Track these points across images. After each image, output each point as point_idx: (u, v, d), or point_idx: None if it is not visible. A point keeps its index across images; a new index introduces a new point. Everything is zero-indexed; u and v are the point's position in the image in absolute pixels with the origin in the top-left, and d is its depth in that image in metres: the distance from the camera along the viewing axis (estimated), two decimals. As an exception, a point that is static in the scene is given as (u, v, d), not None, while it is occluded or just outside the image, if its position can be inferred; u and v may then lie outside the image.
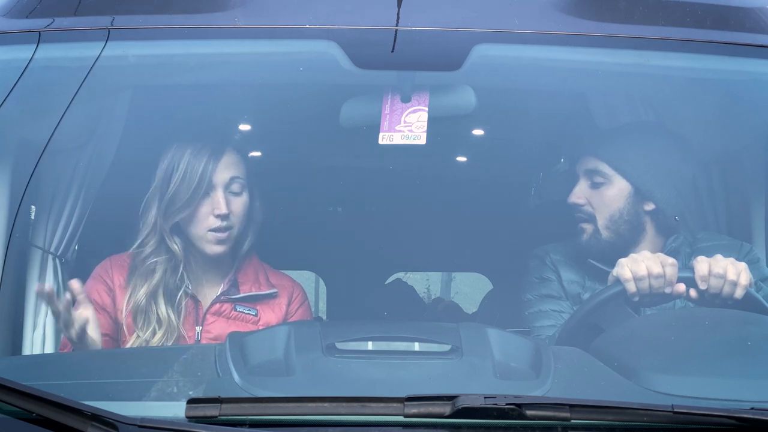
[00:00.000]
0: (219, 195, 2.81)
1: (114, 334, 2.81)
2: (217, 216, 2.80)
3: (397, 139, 2.62)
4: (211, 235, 2.82)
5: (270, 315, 2.89)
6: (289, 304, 2.93)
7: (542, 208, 3.89)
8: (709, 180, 3.10)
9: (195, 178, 2.79)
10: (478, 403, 1.75)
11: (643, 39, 2.58)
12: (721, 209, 3.11)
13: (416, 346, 2.29)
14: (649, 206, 2.93)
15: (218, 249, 2.83)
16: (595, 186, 2.94)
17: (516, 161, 3.99)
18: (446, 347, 2.18)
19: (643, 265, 2.60)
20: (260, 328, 2.83)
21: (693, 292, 2.61)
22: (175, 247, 2.82)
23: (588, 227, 2.94)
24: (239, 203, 2.85)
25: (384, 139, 2.62)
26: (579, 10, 2.61)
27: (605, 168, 2.92)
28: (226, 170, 2.83)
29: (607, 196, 2.93)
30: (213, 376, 2.06)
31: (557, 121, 3.54)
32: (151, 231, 2.82)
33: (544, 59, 2.63)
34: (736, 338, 2.41)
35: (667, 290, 2.61)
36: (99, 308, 2.79)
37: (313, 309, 5.94)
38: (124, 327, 2.78)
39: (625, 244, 2.92)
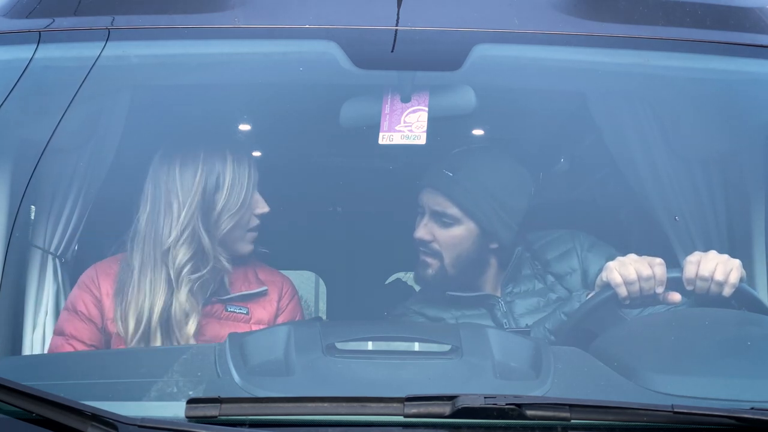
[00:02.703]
0: (257, 195, 2.89)
1: (101, 345, 2.80)
2: (258, 215, 2.88)
3: (397, 139, 2.62)
4: (250, 235, 2.89)
5: (261, 312, 2.89)
6: (279, 300, 2.93)
7: (542, 207, 3.89)
8: (709, 180, 3.10)
9: (244, 187, 2.83)
10: (478, 403, 1.75)
11: (643, 39, 2.58)
12: (720, 209, 3.10)
13: (416, 346, 2.29)
14: (494, 245, 3.01)
15: (251, 248, 2.90)
16: (443, 225, 2.98)
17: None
18: (446, 347, 2.18)
19: (632, 268, 2.60)
20: (252, 326, 2.84)
21: (683, 292, 2.62)
22: (224, 261, 2.82)
23: (434, 263, 2.99)
24: None
25: (384, 139, 2.62)
26: (579, 10, 2.61)
27: (454, 210, 2.95)
28: (257, 171, 2.89)
29: (454, 237, 2.98)
30: (213, 376, 2.06)
31: (557, 121, 3.53)
32: (197, 250, 2.78)
33: (544, 59, 2.63)
34: (736, 338, 2.41)
35: (658, 290, 2.61)
36: (85, 319, 2.80)
37: (313, 309, 5.95)
38: (124, 329, 2.77)
39: (470, 275, 3.01)
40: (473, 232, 2.97)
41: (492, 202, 2.96)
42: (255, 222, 2.89)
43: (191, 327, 2.76)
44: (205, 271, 2.79)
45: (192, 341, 2.76)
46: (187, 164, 2.81)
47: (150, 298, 2.76)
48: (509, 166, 3.09)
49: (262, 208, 2.88)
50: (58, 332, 2.83)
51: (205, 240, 2.78)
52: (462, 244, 2.97)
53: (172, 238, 2.77)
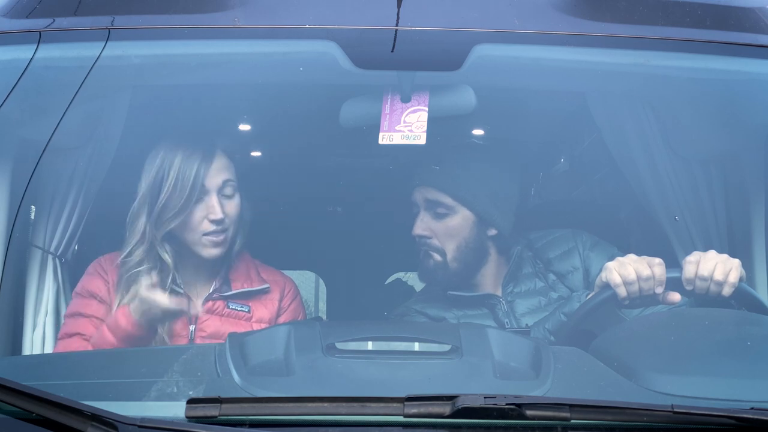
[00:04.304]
0: (213, 200, 2.82)
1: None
2: (212, 221, 2.82)
3: (397, 139, 2.62)
4: (207, 239, 2.83)
5: (263, 311, 2.89)
6: (281, 300, 2.93)
7: (542, 207, 3.90)
8: (709, 180, 3.10)
9: (187, 185, 2.78)
10: (478, 403, 1.75)
11: (643, 39, 2.58)
12: (720, 209, 3.11)
13: (416, 346, 2.29)
14: (492, 232, 3.01)
15: (214, 252, 2.84)
16: (438, 217, 2.99)
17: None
18: (446, 347, 2.18)
19: (631, 269, 2.60)
20: (253, 324, 2.84)
21: (683, 292, 2.63)
22: (166, 255, 2.81)
23: (436, 258, 2.99)
24: (232, 206, 2.86)
25: (384, 139, 2.62)
26: (579, 10, 2.61)
27: (446, 199, 2.97)
28: (218, 174, 2.83)
29: (451, 227, 2.98)
30: (213, 376, 2.06)
31: (557, 121, 3.53)
32: (139, 240, 2.80)
33: (544, 59, 2.63)
34: (736, 338, 2.41)
35: (658, 290, 2.61)
36: (99, 300, 2.81)
37: (313, 309, 5.95)
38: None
39: (472, 269, 3.01)
40: (469, 220, 2.98)
41: (481, 186, 2.98)
42: (210, 227, 2.82)
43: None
44: (147, 259, 2.80)
45: (160, 326, 2.76)
46: (153, 156, 2.82)
47: (122, 291, 2.80)
48: (494, 155, 3.11)
49: (216, 214, 2.80)
50: (72, 314, 2.82)
51: (148, 232, 2.79)
52: (460, 233, 2.98)
53: (128, 221, 2.81)
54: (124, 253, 2.81)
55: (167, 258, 2.81)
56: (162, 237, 2.81)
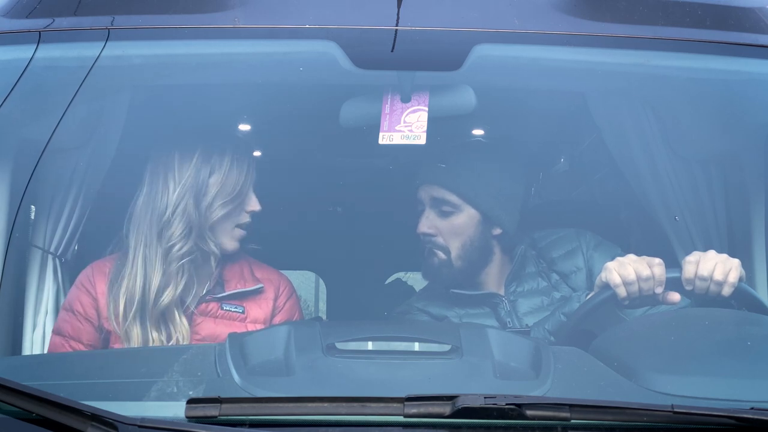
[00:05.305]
0: (252, 194, 2.89)
1: (98, 344, 2.80)
2: (249, 212, 2.88)
3: (397, 139, 2.62)
4: (237, 232, 2.88)
5: (257, 311, 2.88)
6: (276, 299, 2.93)
7: (543, 207, 3.90)
8: (709, 180, 3.10)
9: (242, 177, 2.85)
10: (478, 403, 1.75)
11: (643, 39, 2.58)
12: (720, 209, 3.11)
13: (416, 346, 2.30)
14: (497, 231, 3.02)
15: (236, 245, 2.89)
16: (443, 215, 2.99)
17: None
18: (446, 347, 2.18)
19: (630, 269, 2.60)
20: (248, 325, 2.84)
21: (683, 292, 2.63)
22: (212, 245, 2.83)
23: (441, 257, 2.99)
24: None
25: (384, 139, 2.62)
26: (579, 10, 2.61)
27: (452, 197, 2.97)
28: (255, 172, 2.90)
29: (457, 225, 2.99)
30: (213, 376, 2.06)
31: (557, 121, 3.54)
32: (183, 232, 2.80)
33: (544, 59, 2.63)
34: (736, 338, 2.41)
35: (657, 290, 2.61)
36: (82, 319, 2.80)
37: (312, 309, 5.95)
38: (114, 310, 2.78)
39: (476, 267, 3.02)
40: (474, 218, 2.98)
41: (487, 186, 2.98)
42: (245, 219, 2.88)
43: (181, 310, 2.77)
44: (193, 248, 2.80)
45: (181, 325, 2.76)
46: (186, 149, 2.85)
47: (142, 276, 2.78)
48: (500, 155, 3.11)
49: (254, 206, 2.88)
50: (56, 332, 2.83)
51: (196, 220, 2.80)
52: (465, 232, 2.98)
53: (166, 215, 2.80)
54: (174, 243, 2.80)
55: (214, 249, 2.84)
56: (208, 228, 2.83)
